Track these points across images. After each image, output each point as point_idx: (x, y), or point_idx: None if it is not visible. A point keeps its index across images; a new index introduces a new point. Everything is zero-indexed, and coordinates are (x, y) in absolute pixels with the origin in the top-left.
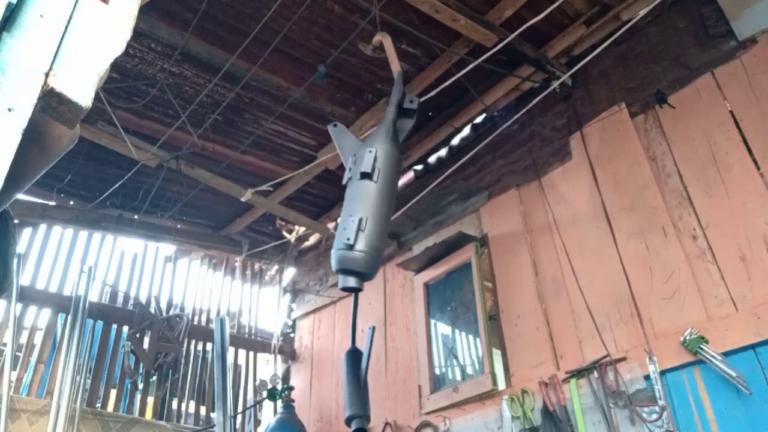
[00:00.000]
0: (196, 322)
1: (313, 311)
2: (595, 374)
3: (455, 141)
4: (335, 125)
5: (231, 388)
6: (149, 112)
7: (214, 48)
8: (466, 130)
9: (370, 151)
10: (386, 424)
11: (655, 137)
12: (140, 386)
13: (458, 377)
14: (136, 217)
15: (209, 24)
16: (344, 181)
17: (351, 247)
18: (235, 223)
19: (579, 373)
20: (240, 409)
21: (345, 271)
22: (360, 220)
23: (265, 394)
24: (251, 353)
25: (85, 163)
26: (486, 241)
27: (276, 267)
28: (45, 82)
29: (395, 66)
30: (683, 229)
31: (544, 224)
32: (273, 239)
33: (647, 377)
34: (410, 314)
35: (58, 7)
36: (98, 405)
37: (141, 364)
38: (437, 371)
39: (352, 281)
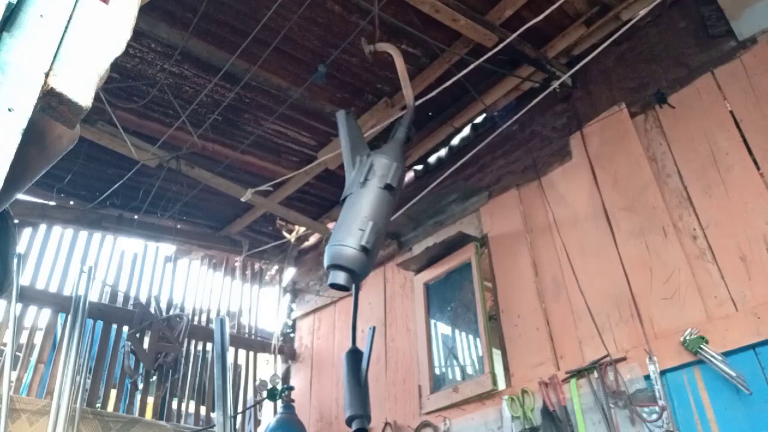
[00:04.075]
0: (196, 322)
1: (313, 311)
2: (595, 374)
3: (455, 141)
4: (348, 112)
5: (231, 388)
6: (149, 112)
7: (214, 48)
8: (466, 130)
9: (398, 167)
10: (386, 424)
11: (655, 137)
12: (140, 386)
13: (458, 377)
14: (136, 217)
15: (209, 24)
16: (361, 180)
17: (363, 249)
18: (235, 223)
19: (579, 373)
20: (240, 409)
21: (337, 267)
22: (374, 225)
23: (265, 394)
24: (251, 353)
25: (85, 163)
26: (486, 241)
27: (276, 267)
28: (45, 82)
29: (409, 95)
30: (683, 229)
31: (544, 224)
32: (273, 239)
33: (647, 377)
34: (410, 314)
35: (58, 7)
36: (98, 405)
37: (141, 364)
38: (437, 371)
39: (341, 277)
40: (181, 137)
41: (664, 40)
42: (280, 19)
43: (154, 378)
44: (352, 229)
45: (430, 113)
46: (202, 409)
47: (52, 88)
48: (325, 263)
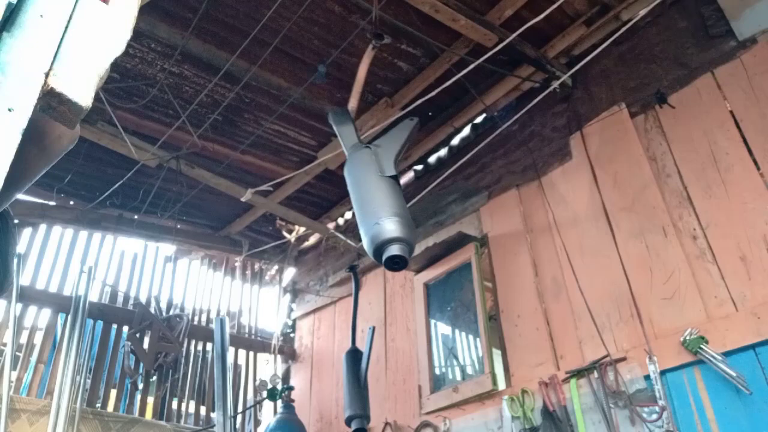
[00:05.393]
0: (196, 322)
1: (313, 311)
2: (595, 374)
3: (455, 141)
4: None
5: (231, 388)
6: (149, 112)
7: (214, 48)
8: (466, 130)
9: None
10: (386, 424)
11: (655, 137)
12: (140, 386)
13: (458, 377)
14: (136, 217)
15: (209, 24)
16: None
17: (405, 217)
18: (235, 223)
19: (579, 373)
20: (240, 409)
21: (387, 242)
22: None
23: (265, 394)
24: (251, 353)
25: (85, 163)
26: (486, 241)
27: (276, 267)
28: (45, 82)
29: (353, 104)
30: (683, 229)
31: (544, 224)
32: (273, 239)
33: (647, 377)
34: (410, 314)
35: (58, 7)
36: (98, 405)
37: (141, 364)
38: (437, 371)
39: (397, 248)
40: (181, 137)
41: (664, 40)
42: (280, 19)
43: (154, 378)
44: (384, 207)
45: (430, 113)
46: (202, 409)
47: (52, 88)
48: (371, 247)
